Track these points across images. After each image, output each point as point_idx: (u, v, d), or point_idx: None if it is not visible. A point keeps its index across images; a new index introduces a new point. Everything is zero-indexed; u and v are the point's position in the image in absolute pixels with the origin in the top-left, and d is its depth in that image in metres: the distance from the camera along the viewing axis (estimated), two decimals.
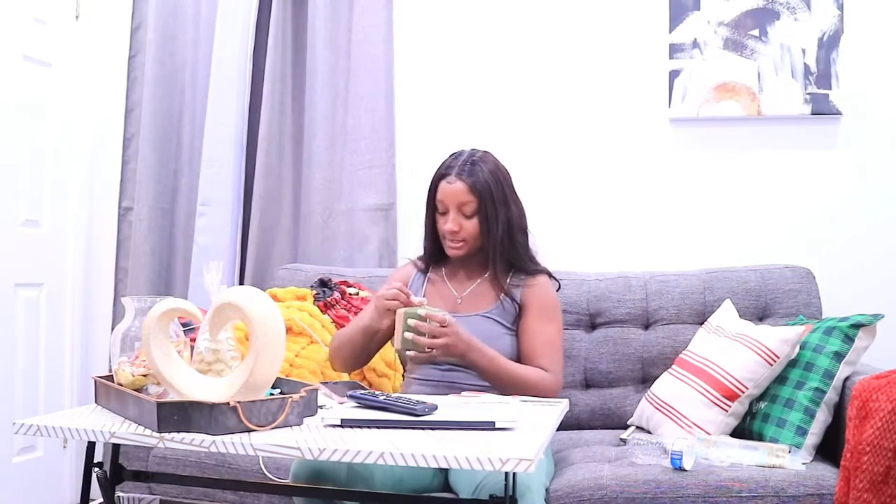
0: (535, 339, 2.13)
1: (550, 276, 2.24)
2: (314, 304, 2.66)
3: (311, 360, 2.47)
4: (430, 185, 2.20)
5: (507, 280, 2.18)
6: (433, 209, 2.20)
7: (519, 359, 2.14)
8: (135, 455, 2.30)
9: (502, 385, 2.03)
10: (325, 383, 1.92)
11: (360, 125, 3.08)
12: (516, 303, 2.16)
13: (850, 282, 2.77)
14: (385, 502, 1.86)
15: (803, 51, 2.83)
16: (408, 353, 1.95)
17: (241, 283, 3.15)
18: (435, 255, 2.27)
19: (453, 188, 2.13)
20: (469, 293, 2.21)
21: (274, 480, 2.16)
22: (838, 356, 2.20)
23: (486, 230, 2.14)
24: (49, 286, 3.12)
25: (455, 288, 2.23)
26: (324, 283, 2.75)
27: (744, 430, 2.26)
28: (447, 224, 2.14)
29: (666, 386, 2.38)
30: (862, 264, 2.80)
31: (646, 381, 2.58)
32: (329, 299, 2.66)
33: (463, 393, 1.98)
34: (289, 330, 2.46)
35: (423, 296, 2.22)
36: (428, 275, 2.28)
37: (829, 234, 2.84)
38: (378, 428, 1.56)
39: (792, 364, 2.24)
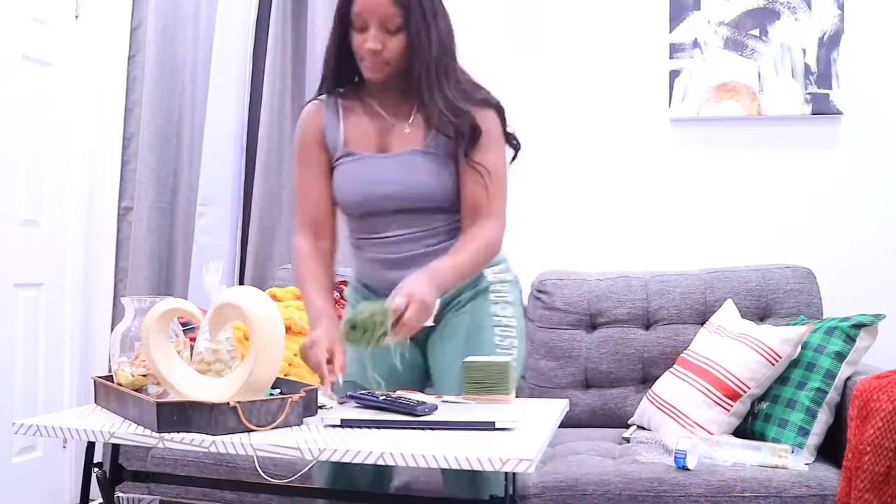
0: (473, 173, 1.85)
1: (496, 107, 1.94)
2: None
3: None
4: None
5: (439, 111, 1.84)
6: (345, 25, 1.82)
7: (456, 197, 1.88)
8: (134, 455, 2.30)
9: (468, 276, 1.84)
10: None
11: None
12: (452, 129, 1.83)
13: (851, 282, 2.77)
14: (384, 502, 1.86)
15: (804, 50, 2.83)
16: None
17: (241, 283, 3.15)
18: (345, 83, 1.92)
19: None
20: (398, 128, 1.88)
21: (273, 480, 2.16)
22: (840, 356, 2.19)
23: (414, 49, 1.80)
24: (49, 286, 3.12)
25: (379, 120, 1.89)
26: None
27: (745, 430, 2.26)
28: (368, 42, 1.78)
29: (668, 385, 2.38)
30: (863, 264, 2.80)
31: (646, 381, 2.58)
32: None
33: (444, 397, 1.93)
34: (288, 329, 2.46)
35: (345, 138, 1.89)
36: (340, 110, 1.92)
37: (829, 233, 2.83)
38: (378, 428, 1.55)
39: (793, 364, 2.23)
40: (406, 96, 1.88)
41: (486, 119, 1.91)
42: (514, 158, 2.00)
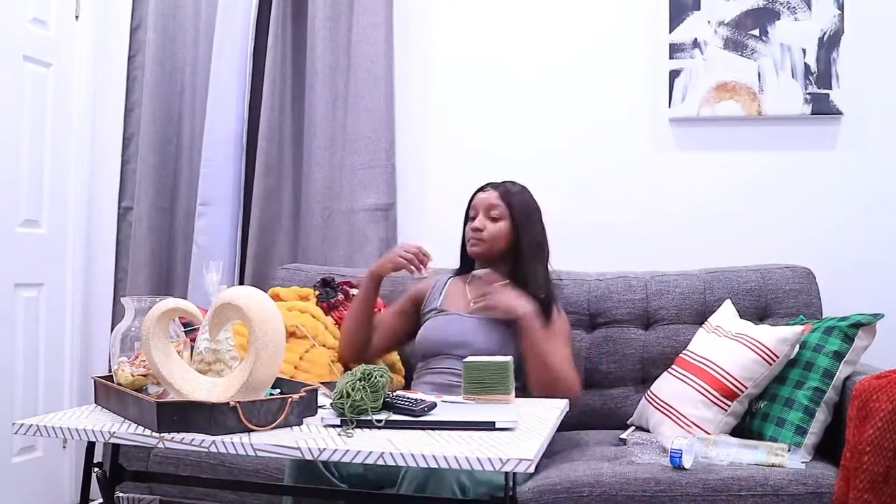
0: (558, 355, 2.20)
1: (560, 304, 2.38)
2: (317, 304, 2.65)
3: (315, 364, 2.46)
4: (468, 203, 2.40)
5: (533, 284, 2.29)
6: (466, 220, 2.40)
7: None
8: (135, 455, 2.30)
9: (539, 358, 2.14)
10: (324, 383, 1.92)
11: (360, 125, 3.08)
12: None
13: (850, 281, 2.77)
14: (385, 502, 1.86)
15: (804, 50, 2.83)
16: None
17: (241, 283, 3.15)
18: (463, 265, 2.47)
19: (485, 195, 2.36)
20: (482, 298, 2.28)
21: (274, 481, 2.16)
22: (838, 356, 2.20)
23: (516, 240, 2.31)
24: (49, 286, 3.12)
25: (471, 293, 2.37)
26: (326, 283, 2.74)
27: (743, 430, 2.26)
28: (473, 223, 2.33)
29: (666, 385, 2.38)
30: (862, 264, 2.80)
31: (646, 381, 2.58)
32: (333, 301, 2.65)
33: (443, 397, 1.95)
34: (293, 335, 2.46)
35: (443, 297, 2.39)
36: (449, 280, 2.45)
37: (829, 234, 2.83)
38: (378, 428, 1.55)
39: (792, 363, 2.24)
40: (490, 283, 2.34)
41: (560, 316, 2.33)
42: None
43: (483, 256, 2.36)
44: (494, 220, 2.32)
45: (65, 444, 3.17)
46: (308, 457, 1.42)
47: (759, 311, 2.59)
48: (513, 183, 2.39)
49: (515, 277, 2.32)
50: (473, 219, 2.36)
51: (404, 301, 2.48)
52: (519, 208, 2.33)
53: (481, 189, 2.40)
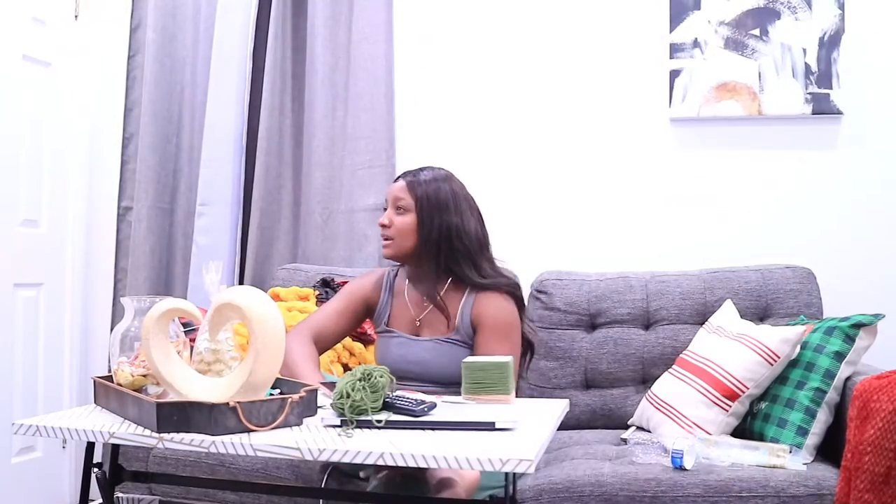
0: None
1: (508, 291, 2.11)
2: (317, 304, 2.65)
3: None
4: None
5: (462, 298, 2.10)
6: None
7: None
8: (134, 455, 2.30)
9: None
10: (324, 383, 1.92)
11: (360, 125, 3.08)
12: (469, 322, 2.08)
13: (850, 282, 2.77)
14: (385, 502, 1.86)
15: (804, 50, 2.83)
16: None
17: (241, 283, 3.15)
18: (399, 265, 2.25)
19: (394, 185, 2.14)
20: (428, 314, 2.13)
21: (273, 480, 2.15)
22: (839, 356, 2.19)
23: (422, 235, 2.08)
24: (48, 286, 3.12)
25: (414, 308, 2.16)
26: (326, 283, 2.74)
27: (744, 430, 2.25)
28: (380, 219, 2.14)
29: (666, 386, 2.38)
30: (862, 264, 2.80)
31: (646, 381, 2.58)
32: None
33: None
34: None
35: (388, 317, 2.18)
36: (394, 289, 2.21)
37: (829, 234, 2.83)
38: (378, 428, 1.55)
39: (793, 364, 2.23)
40: (431, 290, 2.12)
41: (497, 309, 2.09)
42: (530, 359, 2.21)
43: (394, 258, 2.13)
44: (401, 212, 2.09)
45: (64, 445, 3.16)
46: (308, 457, 1.41)
47: (759, 311, 2.59)
48: (431, 169, 2.13)
49: (439, 272, 2.10)
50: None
51: (350, 301, 2.21)
52: (425, 198, 2.07)
53: (396, 179, 2.15)
